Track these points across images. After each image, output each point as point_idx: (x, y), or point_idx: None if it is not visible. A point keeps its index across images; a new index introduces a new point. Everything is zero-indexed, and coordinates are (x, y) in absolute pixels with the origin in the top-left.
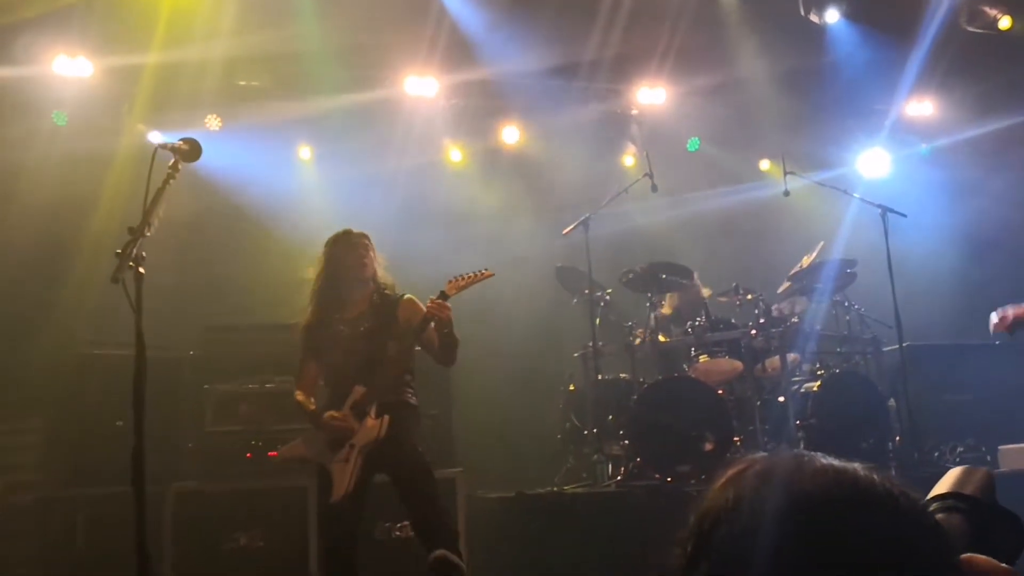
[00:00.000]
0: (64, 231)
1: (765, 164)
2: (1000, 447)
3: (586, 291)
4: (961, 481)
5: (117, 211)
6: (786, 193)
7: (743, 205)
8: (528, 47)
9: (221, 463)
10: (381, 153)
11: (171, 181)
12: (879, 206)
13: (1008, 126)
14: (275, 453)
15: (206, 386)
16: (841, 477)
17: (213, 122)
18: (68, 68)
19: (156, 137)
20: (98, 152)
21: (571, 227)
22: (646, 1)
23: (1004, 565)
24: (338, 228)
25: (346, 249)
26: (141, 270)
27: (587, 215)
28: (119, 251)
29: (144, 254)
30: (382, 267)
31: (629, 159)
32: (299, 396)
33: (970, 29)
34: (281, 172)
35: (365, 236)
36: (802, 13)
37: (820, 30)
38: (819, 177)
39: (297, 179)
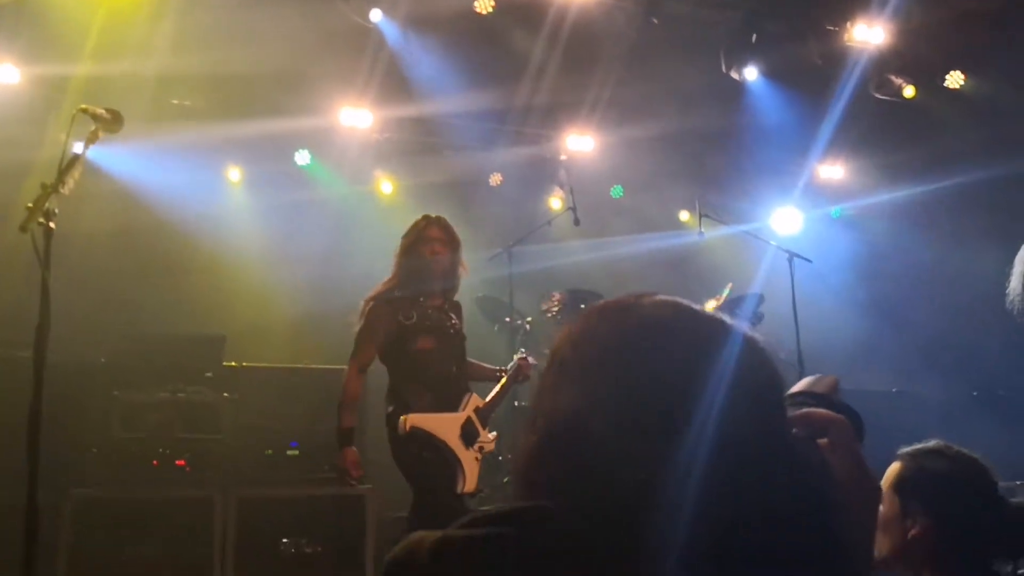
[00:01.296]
0: None
1: (684, 215)
2: None
3: (507, 319)
4: (811, 383)
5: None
6: (700, 234)
7: (661, 251)
8: (463, 88)
9: (126, 471)
10: (311, 180)
11: (90, 146)
12: (786, 251)
13: (914, 194)
14: (183, 462)
15: (115, 393)
16: (680, 305)
17: (145, 140)
18: None
19: (79, 148)
20: (18, 160)
21: (495, 253)
22: (577, 52)
23: (837, 415)
24: (264, 250)
25: (423, 237)
26: (52, 225)
27: (512, 243)
28: (30, 204)
29: (57, 211)
30: (463, 270)
31: (556, 201)
32: (347, 386)
33: (879, 96)
34: (209, 192)
35: (444, 229)
36: (724, 70)
37: (740, 88)
38: (734, 228)
39: (225, 200)
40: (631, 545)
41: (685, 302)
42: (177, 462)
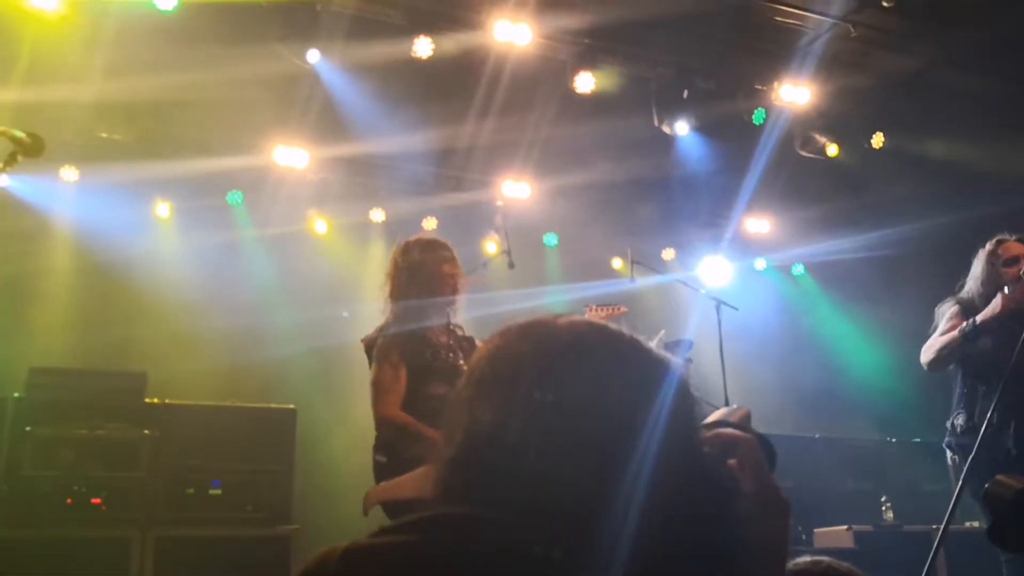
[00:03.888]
0: None
1: (617, 263)
2: (816, 529)
3: None
4: (726, 414)
5: None
6: (632, 281)
7: (594, 298)
8: (401, 131)
9: (37, 509)
10: (243, 218)
11: (8, 170)
12: (713, 299)
13: (837, 248)
14: (99, 500)
15: (28, 428)
16: (596, 325)
17: (70, 174)
18: None
19: (2, 180)
20: None
21: None
22: (514, 100)
23: (746, 434)
24: (193, 288)
25: (438, 259)
26: None
27: None
28: None
29: None
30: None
31: (492, 246)
32: (404, 418)
33: (803, 153)
34: (137, 227)
35: (452, 250)
36: (656, 123)
37: (671, 141)
38: (665, 277)
39: (153, 236)
40: (547, 546)
41: (603, 323)
42: (93, 500)
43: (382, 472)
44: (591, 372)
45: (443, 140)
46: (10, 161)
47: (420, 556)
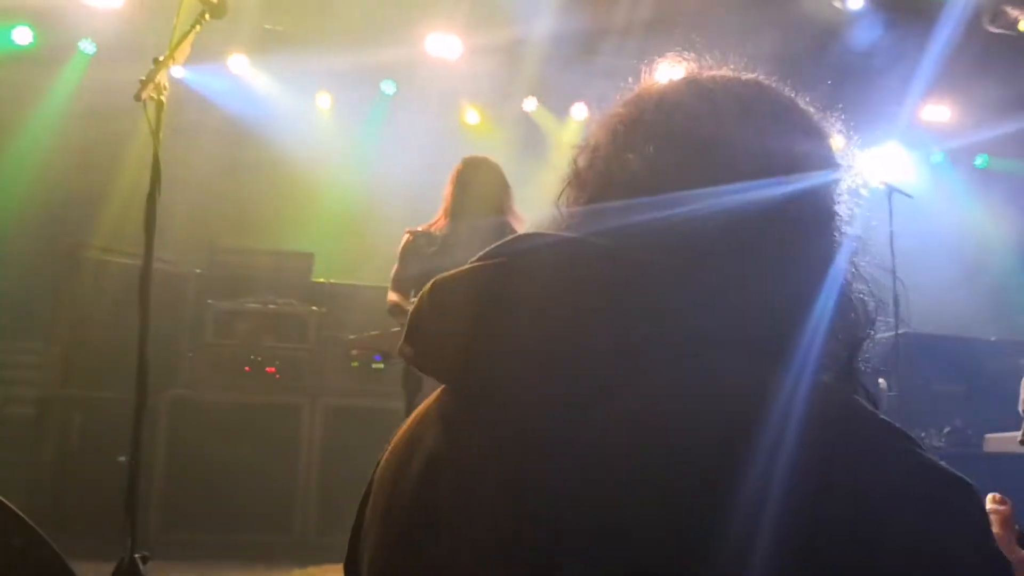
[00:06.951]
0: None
1: None
2: (987, 435)
3: None
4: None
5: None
6: None
7: None
8: (553, 16)
9: (219, 374)
10: (398, 108)
11: (197, 27)
12: (884, 184)
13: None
14: (272, 369)
15: (209, 301)
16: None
17: (239, 62)
18: None
19: (178, 72)
20: (123, 82)
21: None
22: None
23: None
24: (353, 176)
25: (477, 180)
26: (163, 99)
27: None
28: (143, 77)
29: (167, 85)
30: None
31: None
32: (395, 297)
33: (992, 30)
34: (299, 116)
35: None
36: None
37: (841, 17)
38: None
39: (316, 125)
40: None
41: (768, 82)
42: (267, 369)
43: None
44: (754, 124)
45: (596, 25)
46: (199, 19)
47: (504, 276)
